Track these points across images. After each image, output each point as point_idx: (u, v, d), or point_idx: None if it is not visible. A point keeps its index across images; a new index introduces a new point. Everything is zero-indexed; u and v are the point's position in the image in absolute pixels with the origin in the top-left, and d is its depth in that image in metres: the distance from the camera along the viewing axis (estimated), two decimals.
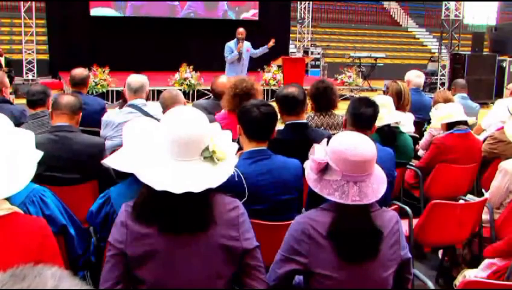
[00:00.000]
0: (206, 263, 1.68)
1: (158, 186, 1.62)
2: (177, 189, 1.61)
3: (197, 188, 1.63)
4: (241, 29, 8.43)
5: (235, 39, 8.37)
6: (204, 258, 1.67)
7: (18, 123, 3.41)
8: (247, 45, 8.53)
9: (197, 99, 10.96)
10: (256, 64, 11.33)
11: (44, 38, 15.59)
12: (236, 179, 2.28)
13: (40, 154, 1.80)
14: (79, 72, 4.67)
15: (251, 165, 2.46)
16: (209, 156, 1.70)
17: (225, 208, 1.74)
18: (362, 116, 2.89)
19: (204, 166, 1.70)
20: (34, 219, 1.78)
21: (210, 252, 1.68)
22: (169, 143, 1.68)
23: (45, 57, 15.34)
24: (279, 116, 2.81)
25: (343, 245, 1.76)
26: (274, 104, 3.03)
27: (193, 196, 1.63)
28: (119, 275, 1.67)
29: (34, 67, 14.02)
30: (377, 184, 1.82)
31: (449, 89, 6.70)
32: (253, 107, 2.52)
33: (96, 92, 11.20)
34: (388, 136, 3.56)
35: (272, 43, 8.82)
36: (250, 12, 16.40)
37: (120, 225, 1.68)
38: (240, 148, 2.57)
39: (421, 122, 5.16)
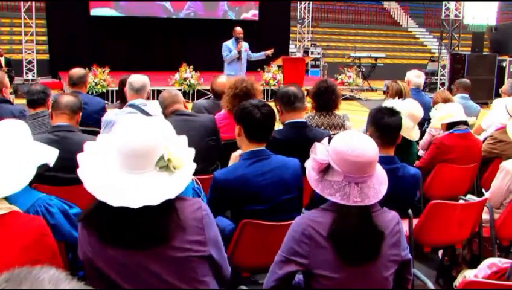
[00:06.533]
0: (178, 271, 1.63)
1: (115, 203, 1.54)
2: (135, 203, 1.53)
3: (155, 200, 1.55)
4: (239, 29, 8.44)
5: (233, 38, 8.38)
6: (175, 267, 1.62)
7: None
8: (245, 45, 8.54)
9: (197, 99, 10.97)
10: (257, 64, 11.33)
11: (44, 38, 15.60)
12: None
13: (47, 158, 1.80)
14: (76, 71, 4.67)
15: (251, 165, 2.46)
16: (164, 165, 1.61)
17: (189, 210, 1.67)
18: (389, 127, 2.75)
19: (160, 176, 1.61)
20: (33, 218, 1.78)
21: (179, 261, 1.63)
22: (122, 157, 1.59)
23: (45, 57, 15.35)
24: (277, 116, 2.82)
25: (344, 246, 1.75)
26: (272, 104, 3.03)
27: (152, 208, 1.55)
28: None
29: (34, 67, 14.04)
30: (379, 185, 1.81)
31: (449, 89, 6.68)
32: (255, 109, 2.50)
33: (96, 92, 11.21)
34: None
35: (270, 52, 8.83)
36: (250, 13, 16.40)
37: (83, 241, 1.64)
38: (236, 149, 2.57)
39: (421, 122, 5.15)
